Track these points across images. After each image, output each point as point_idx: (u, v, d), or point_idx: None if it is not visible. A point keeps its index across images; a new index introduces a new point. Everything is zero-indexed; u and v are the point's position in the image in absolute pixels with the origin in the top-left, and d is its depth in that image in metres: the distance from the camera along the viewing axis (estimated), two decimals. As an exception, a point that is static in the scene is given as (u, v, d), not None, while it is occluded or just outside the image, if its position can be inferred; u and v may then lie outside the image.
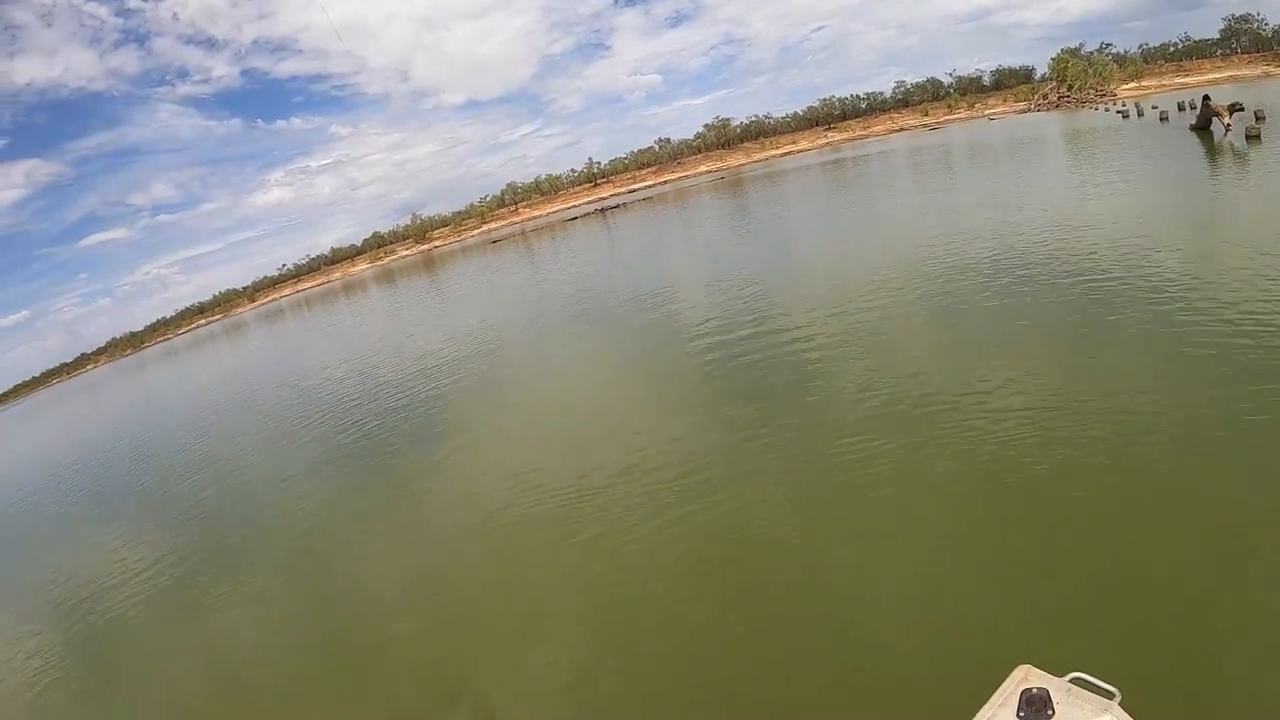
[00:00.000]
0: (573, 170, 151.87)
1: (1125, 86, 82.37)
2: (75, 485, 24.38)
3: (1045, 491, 7.13)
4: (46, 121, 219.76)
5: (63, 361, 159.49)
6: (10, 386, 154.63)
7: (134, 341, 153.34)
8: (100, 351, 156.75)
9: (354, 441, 16.84)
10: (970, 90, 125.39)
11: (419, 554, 10.23)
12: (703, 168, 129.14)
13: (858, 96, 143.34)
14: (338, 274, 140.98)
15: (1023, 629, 5.53)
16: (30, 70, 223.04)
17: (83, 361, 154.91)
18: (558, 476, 10.98)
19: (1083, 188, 23.30)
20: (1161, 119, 40.30)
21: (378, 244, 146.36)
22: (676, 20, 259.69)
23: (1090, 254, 14.72)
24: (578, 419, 13.91)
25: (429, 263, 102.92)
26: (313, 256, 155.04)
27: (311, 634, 9.03)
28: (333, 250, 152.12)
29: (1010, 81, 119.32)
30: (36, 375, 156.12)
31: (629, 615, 7.31)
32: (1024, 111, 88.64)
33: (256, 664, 8.74)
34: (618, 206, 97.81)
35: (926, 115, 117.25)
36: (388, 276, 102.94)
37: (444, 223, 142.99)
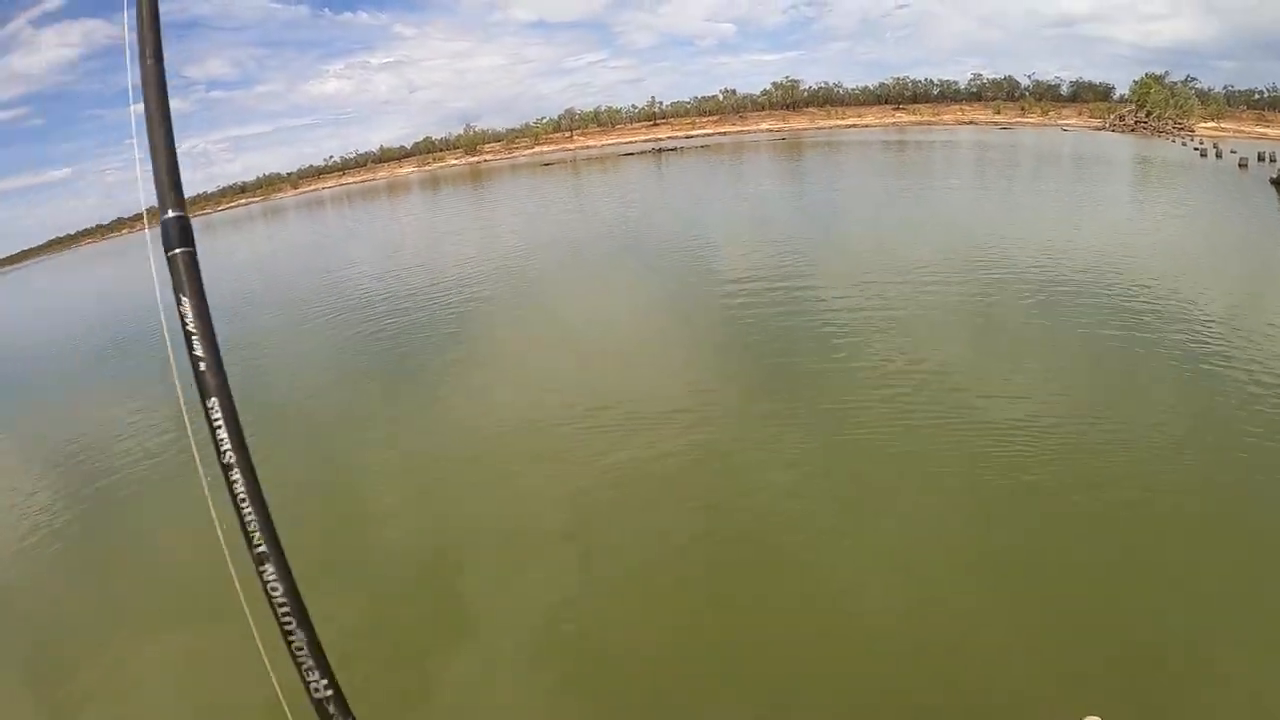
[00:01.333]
0: (634, 106, 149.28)
1: (1204, 124, 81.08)
2: (98, 345, 24.36)
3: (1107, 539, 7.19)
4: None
5: (99, 223, 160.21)
6: (44, 241, 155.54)
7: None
8: (136, 217, 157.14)
9: (376, 338, 17.26)
10: (1046, 96, 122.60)
11: (427, 455, 10.56)
12: (764, 125, 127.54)
13: (931, 82, 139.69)
14: (383, 173, 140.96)
15: (1084, 676, 5.40)
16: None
17: (118, 225, 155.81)
18: (572, 400, 11.47)
19: (1155, 222, 23.49)
20: (1240, 165, 40.67)
21: (428, 149, 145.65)
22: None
23: (1149, 289, 14.95)
24: (600, 350, 14.32)
25: (476, 175, 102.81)
26: (361, 152, 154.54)
27: (310, 519, 9.10)
28: (381, 149, 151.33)
29: (1088, 96, 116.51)
30: (71, 233, 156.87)
31: (624, 545, 7.66)
32: (1098, 129, 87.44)
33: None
34: (674, 149, 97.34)
35: (998, 113, 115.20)
36: (433, 182, 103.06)
37: (496, 138, 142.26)
